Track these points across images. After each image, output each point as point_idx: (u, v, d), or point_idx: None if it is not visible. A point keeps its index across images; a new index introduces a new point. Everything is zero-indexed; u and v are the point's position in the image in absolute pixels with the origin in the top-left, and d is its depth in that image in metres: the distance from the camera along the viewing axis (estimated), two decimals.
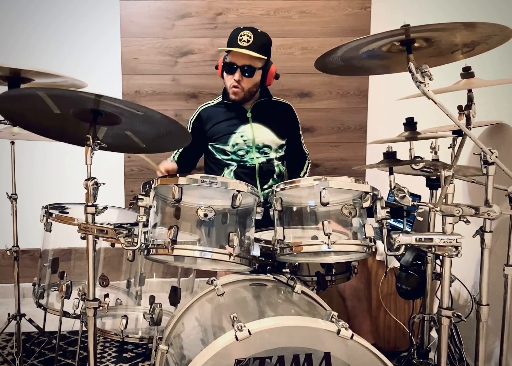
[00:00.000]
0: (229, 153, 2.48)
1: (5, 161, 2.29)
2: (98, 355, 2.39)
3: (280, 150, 2.55)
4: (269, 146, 2.50)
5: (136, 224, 1.44)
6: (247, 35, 2.37)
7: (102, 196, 1.48)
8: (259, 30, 2.44)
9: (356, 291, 2.17)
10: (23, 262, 2.52)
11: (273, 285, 1.65)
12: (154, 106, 3.12)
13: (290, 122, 2.63)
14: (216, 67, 2.51)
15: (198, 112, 2.60)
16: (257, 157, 2.49)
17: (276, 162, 2.53)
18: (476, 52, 1.50)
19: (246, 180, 1.56)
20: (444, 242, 1.38)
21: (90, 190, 1.41)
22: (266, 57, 2.41)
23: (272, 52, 2.53)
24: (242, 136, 2.48)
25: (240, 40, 2.37)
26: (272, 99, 2.63)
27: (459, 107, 1.50)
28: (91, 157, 1.42)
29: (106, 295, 1.85)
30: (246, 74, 2.40)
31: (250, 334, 1.24)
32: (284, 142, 2.55)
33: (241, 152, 2.48)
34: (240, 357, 1.24)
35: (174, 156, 2.61)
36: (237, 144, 2.48)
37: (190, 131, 2.50)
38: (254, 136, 2.49)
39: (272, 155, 2.52)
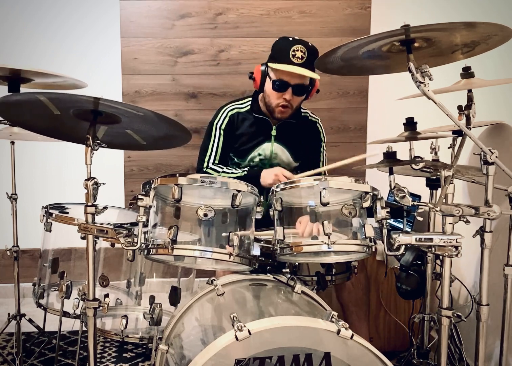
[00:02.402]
0: (242, 167, 2.35)
1: (5, 161, 2.29)
2: (98, 355, 2.39)
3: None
4: (282, 167, 2.31)
5: (136, 224, 1.44)
6: (301, 51, 2.13)
7: (102, 196, 1.48)
8: (310, 44, 2.20)
9: (355, 299, 2.15)
10: (23, 262, 2.52)
11: (273, 285, 1.65)
12: (154, 106, 3.17)
13: (311, 143, 2.43)
14: (251, 77, 2.28)
15: (227, 116, 2.35)
16: None
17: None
18: (476, 52, 1.50)
19: None
20: (444, 242, 1.38)
21: (90, 190, 1.41)
22: (319, 77, 2.18)
23: None
24: (260, 154, 2.34)
25: (294, 56, 2.12)
26: (301, 114, 2.41)
27: (459, 107, 1.50)
28: (91, 157, 1.42)
29: (106, 295, 1.86)
30: (298, 93, 2.21)
31: (250, 334, 1.24)
32: (297, 164, 2.40)
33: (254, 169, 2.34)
34: (240, 357, 1.24)
35: (208, 165, 2.34)
36: (253, 161, 2.35)
37: (218, 135, 2.34)
38: (272, 157, 2.35)
39: None
